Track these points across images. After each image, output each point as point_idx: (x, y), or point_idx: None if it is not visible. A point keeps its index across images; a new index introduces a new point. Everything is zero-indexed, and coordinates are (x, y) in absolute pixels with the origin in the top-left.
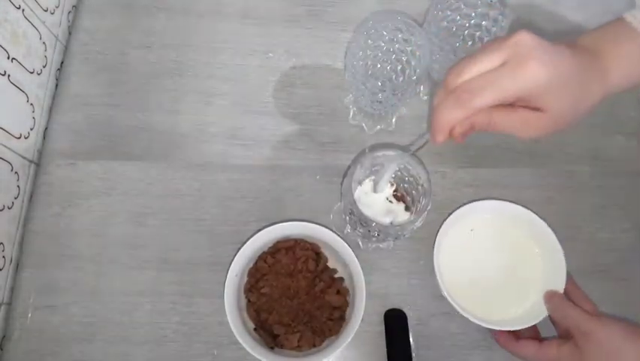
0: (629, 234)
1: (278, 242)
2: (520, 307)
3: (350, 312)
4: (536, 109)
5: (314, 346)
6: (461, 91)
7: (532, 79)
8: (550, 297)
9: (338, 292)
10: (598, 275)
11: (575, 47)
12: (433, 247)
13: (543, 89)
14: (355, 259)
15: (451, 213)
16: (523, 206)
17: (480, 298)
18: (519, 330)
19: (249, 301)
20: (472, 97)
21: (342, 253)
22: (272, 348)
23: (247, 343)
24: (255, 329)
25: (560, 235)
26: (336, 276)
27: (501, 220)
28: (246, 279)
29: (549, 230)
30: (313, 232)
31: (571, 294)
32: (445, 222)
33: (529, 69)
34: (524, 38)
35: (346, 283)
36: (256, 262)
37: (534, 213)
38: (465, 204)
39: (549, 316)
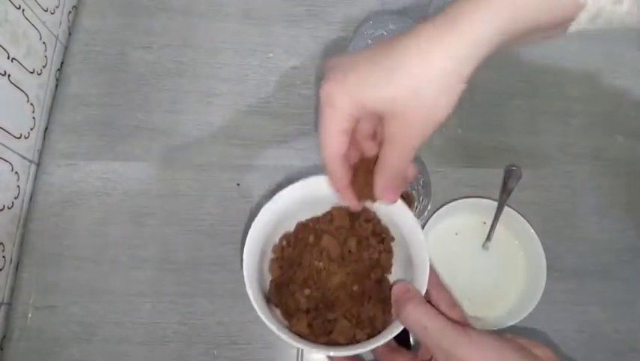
0: (629, 234)
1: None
2: (503, 307)
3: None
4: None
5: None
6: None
7: (332, 107)
8: (402, 300)
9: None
10: (598, 275)
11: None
12: None
13: (358, 106)
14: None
15: (433, 213)
16: (505, 205)
17: (464, 298)
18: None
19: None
20: (320, 147)
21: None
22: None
23: (273, 323)
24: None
25: (560, 235)
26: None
27: (484, 219)
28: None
29: (528, 225)
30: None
31: (434, 297)
32: (428, 223)
33: (323, 100)
34: (324, 68)
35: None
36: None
37: (515, 210)
38: (446, 203)
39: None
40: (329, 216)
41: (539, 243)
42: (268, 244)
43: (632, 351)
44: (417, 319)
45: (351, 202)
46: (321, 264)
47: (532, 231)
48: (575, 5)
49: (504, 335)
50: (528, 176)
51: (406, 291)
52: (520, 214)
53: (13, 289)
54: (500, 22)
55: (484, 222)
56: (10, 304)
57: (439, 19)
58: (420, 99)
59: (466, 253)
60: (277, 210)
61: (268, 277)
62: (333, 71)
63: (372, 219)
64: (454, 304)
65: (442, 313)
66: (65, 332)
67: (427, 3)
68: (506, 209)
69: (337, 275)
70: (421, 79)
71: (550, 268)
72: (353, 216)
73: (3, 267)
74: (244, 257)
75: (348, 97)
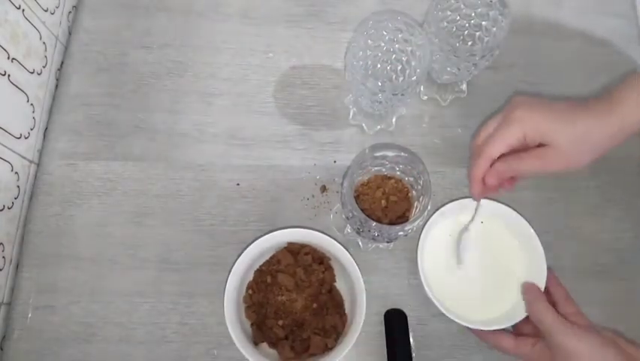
0: (629, 234)
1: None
2: (502, 307)
3: (347, 330)
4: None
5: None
6: (477, 149)
7: (518, 124)
8: (528, 293)
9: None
10: (598, 275)
11: (579, 102)
12: (417, 247)
13: (535, 130)
14: (358, 271)
15: (433, 213)
16: (505, 204)
17: (464, 298)
18: (518, 324)
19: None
20: (483, 150)
21: (344, 262)
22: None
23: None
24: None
25: (560, 235)
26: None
27: (484, 219)
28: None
29: (527, 225)
30: (315, 239)
31: (553, 294)
32: (428, 223)
33: (513, 118)
34: (515, 99)
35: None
36: (261, 275)
37: (515, 210)
38: (446, 203)
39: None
40: (276, 258)
41: (539, 243)
42: (240, 296)
43: None
44: (536, 310)
45: (476, 190)
46: (283, 297)
47: (532, 231)
48: None
49: (605, 332)
50: None
51: (532, 291)
52: (520, 214)
53: (13, 289)
54: None
55: (483, 223)
56: (10, 304)
57: (606, 102)
58: (578, 148)
59: (467, 253)
60: (239, 276)
61: (248, 323)
62: (528, 103)
63: (309, 251)
64: (569, 298)
65: (557, 306)
66: (65, 332)
67: (428, 3)
68: (506, 209)
69: (298, 301)
70: (590, 142)
71: (550, 268)
72: (294, 253)
73: (3, 267)
74: (227, 323)
75: (534, 123)
